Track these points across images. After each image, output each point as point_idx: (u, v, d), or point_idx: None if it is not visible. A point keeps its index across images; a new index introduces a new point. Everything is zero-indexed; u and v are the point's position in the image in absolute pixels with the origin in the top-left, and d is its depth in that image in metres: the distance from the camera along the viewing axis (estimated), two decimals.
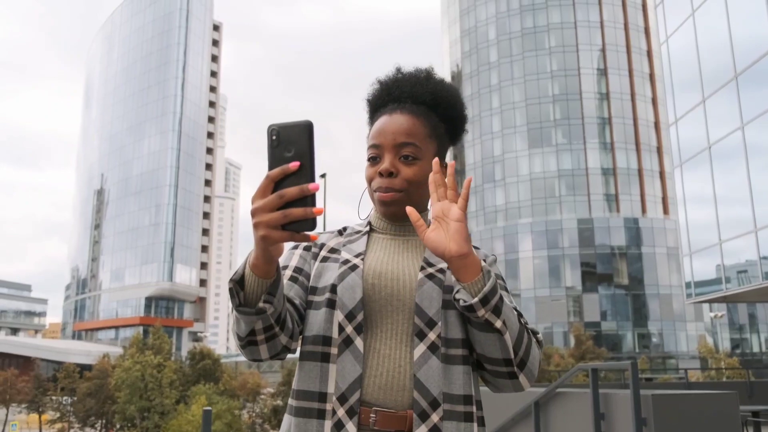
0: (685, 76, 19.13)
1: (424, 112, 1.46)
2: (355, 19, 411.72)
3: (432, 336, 1.31)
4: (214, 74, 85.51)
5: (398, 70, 1.53)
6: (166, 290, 74.77)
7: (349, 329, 1.33)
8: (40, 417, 46.35)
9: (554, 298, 55.55)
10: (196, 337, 79.45)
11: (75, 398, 43.95)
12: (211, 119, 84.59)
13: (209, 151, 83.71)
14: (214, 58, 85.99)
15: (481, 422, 1.37)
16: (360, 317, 1.33)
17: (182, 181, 77.18)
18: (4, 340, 68.71)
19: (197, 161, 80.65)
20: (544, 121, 59.87)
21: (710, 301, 19.64)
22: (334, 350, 1.33)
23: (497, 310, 1.24)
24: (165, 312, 76.07)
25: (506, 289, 1.45)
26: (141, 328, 65.51)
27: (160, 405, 38.06)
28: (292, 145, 1.09)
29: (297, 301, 1.38)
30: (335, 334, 1.34)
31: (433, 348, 1.31)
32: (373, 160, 1.45)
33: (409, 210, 1.25)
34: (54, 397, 45.87)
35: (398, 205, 1.42)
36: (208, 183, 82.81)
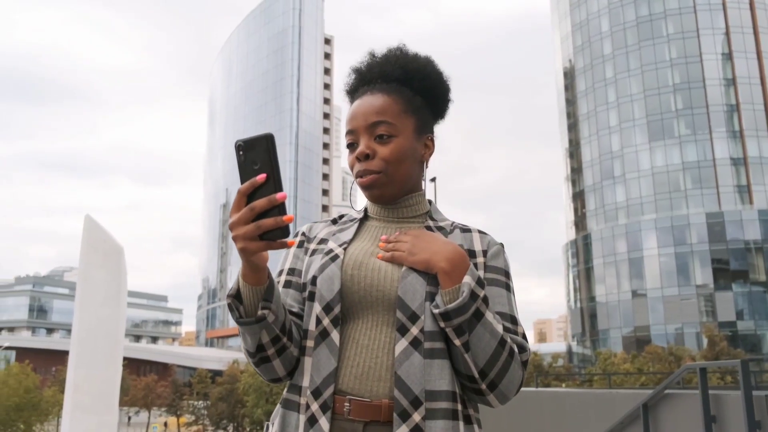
0: None
1: (395, 88, 1.42)
2: (454, 21, 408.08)
3: (414, 331, 1.26)
4: (327, 86, 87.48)
5: (371, 54, 1.49)
6: None
7: (326, 321, 1.31)
8: (178, 420, 49.21)
9: (683, 298, 52.60)
10: None
11: (208, 402, 46.32)
12: (326, 130, 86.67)
13: (325, 161, 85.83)
14: (327, 71, 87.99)
15: (471, 420, 1.29)
16: (337, 309, 1.31)
17: (301, 192, 79.58)
18: (145, 348, 73.30)
19: (314, 172, 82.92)
20: (665, 112, 56.99)
21: None
22: (310, 343, 1.31)
23: (460, 330, 1.22)
24: None
25: (507, 287, 1.38)
26: None
27: None
28: (257, 158, 1.12)
29: (296, 308, 1.37)
30: (312, 326, 1.32)
31: (415, 343, 1.26)
32: (351, 146, 1.42)
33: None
34: (190, 401, 48.62)
35: (380, 187, 1.39)
36: (325, 192, 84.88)
